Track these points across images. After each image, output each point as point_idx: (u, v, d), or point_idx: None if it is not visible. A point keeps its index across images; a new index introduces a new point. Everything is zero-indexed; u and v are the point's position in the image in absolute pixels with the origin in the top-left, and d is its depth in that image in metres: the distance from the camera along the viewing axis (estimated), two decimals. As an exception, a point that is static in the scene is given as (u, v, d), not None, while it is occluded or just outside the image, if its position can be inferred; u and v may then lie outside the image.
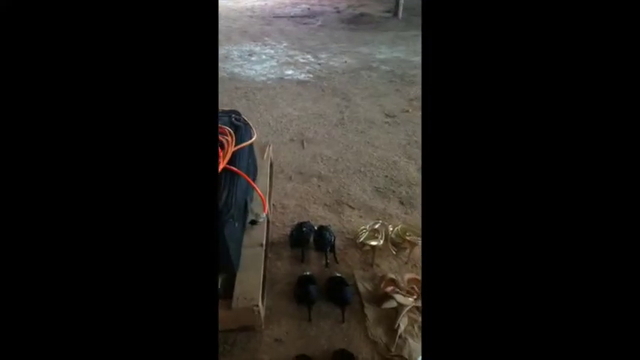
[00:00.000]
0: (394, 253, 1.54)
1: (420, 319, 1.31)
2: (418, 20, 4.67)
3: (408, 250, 1.53)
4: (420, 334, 1.26)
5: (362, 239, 1.52)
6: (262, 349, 1.24)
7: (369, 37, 4.21)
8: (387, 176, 2.05)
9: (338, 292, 1.35)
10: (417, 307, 1.33)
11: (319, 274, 1.46)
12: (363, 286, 1.43)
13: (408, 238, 1.48)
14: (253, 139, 1.44)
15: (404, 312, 1.24)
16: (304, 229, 1.55)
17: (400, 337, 1.25)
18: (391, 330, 1.28)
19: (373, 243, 1.46)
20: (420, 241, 1.46)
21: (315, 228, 1.59)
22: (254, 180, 1.61)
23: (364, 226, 1.61)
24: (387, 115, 2.64)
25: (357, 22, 4.80)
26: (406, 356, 1.17)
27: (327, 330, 1.31)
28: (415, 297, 1.23)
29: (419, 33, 4.21)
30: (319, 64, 3.56)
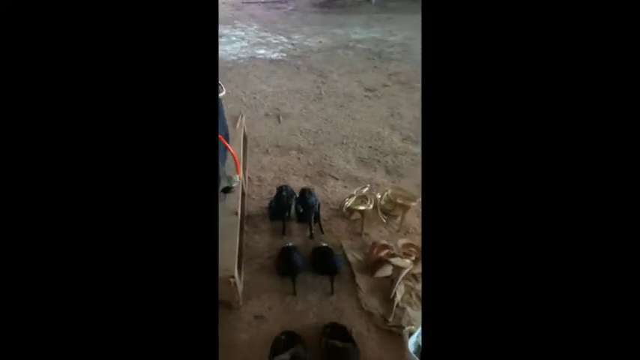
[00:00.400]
0: (384, 220, 1.41)
1: (418, 286, 1.18)
2: (391, 5, 4.59)
3: (399, 217, 1.41)
4: (418, 303, 1.13)
5: (348, 205, 1.38)
6: (241, 328, 1.08)
7: (342, 20, 4.09)
8: (370, 147, 1.92)
9: (325, 261, 1.20)
10: (413, 275, 1.20)
11: (303, 247, 1.31)
12: (353, 256, 1.28)
13: (399, 202, 1.35)
14: (222, 93, 1.27)
15: (401, 277, 1.10)
16: (284, 193, 1.39)
17: (397, 306, 1.11)
18: (387, 300, 1.14)
19: (361, 208, 1.32)
20: (413, 204, 1.33)
21: (297, 195, 1.43)
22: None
23: (350, 193, 1.47)
24: (367, 90, 2.52)
25: (329, 6, 4.67)
26: (405, 325, 1.04)
27: (314, 304, 1.15)
28: (413, 258, 1.10)
29: (393, 16, 4.13)
30: (292, 44, 3.40)
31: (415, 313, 1.09)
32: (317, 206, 1.36)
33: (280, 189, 1.42)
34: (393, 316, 1.08)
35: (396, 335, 1.05)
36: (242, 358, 1.00)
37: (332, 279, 1.17)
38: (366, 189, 1.45)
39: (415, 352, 0.92)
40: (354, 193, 1.44)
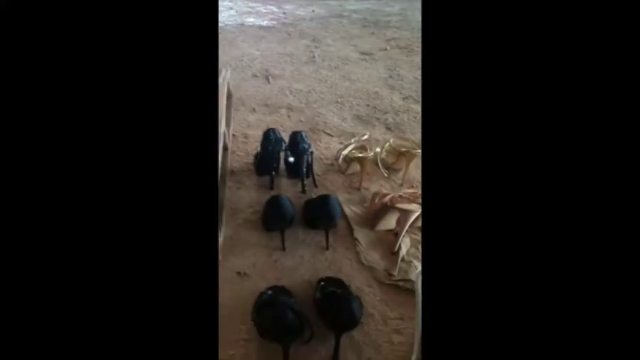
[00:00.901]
0: (386, 175, 1.26)
1: (425, 239, 1.03)
2: (387, -20, 4.42)
3: (402, 170, 1.25)
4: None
5: (345, 153, 1.22)
6: (221, 286, 0.91)
7: (336, -7, 3.92)
8: (368, 105, 1.76)
9: (319, 212, 1.03)
10: (419, 228, 1.04)
11: (294, 201, 1.15)
12: (351, 210, 1.13)
13: (403, 150, 1.19)
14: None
15: (408, 224, 0.95)
16: (272, 137, 1.21)
17: (403, 260, 0.96)
18: (390, 255, 0.99)
19: (360, 154, 1.16)
20: (418, 151, 1.17)
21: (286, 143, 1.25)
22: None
23: (347, 143, 1.31)
24: (363, 53, 2.35)
25: (323, -19, 4.50)
26: (413, 279, 0.88)
27: (307, 259, 1.00)
28: (421, 202, 0.94)
29: (389, -10, 3.95)
30: (284, 13, 3.21)
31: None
32: (309, 154, 1.19)
33: (267, 133, 1.25)
34: (397, 269, 0.93)
35: (402, 290, 0.89)
36: (221, 318, 0.84)
37: (327, 232, 1.01)
38: (366, 136, 1.29)
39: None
40: (352, 142, 1.28)
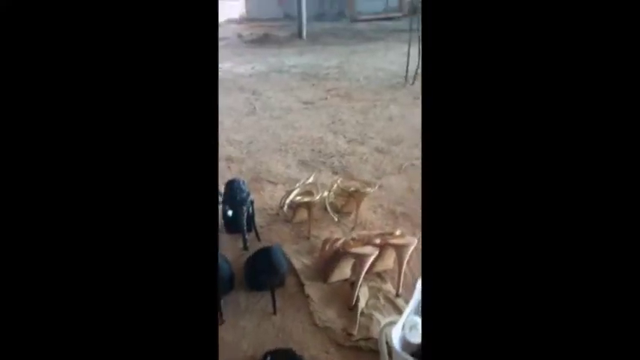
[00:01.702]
0: (336, 219, 1.15)
1: (385, 286, 0.90)
2: (323, 39, 4.68)
3: (353, 213, 1.15)
4: (389, 306, 0.85)
5: (291, 198, 1.10)
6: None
7: (275, 51, 4.04)
8: (313, 150, 1.69)
9: (262, 268, 0.88)
10: (378, 275, 0.93)
11: (235, 262, 0.99)
12: (300, 262, 0.99)
13: (352, 190, 1.10)
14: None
15: (364, 271, 0.82)
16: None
17: (362, 314, 0.82)
18: (347, 310, 0.85)
19: (307, 199, 1.05)
20: (368, 189, 1.09)
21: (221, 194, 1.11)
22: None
23: (292, 188, 1.20)
24: (305, 103, 2.35)
25: (262, 41, 4.65)
26: (375, 336, 0.75)
27: (250, 329, 0.82)
28: (378, 242, 0.83)
29: (324, 47, 4.16)
30: (222, 70, 3.21)
31: (386, 321, 0.81)
32: (250, 204, 1.06)
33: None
34: (357, 327, 0.79)
35: (365, 351, 0.75)
36: None
37: (273, 292, 0.86)
38: (311, 180, 1.19)
39: (404, 348, 0.63)
40: (297, 186, 1.17)
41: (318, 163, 1.58)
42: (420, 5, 4.24)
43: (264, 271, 0.86)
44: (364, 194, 1.08)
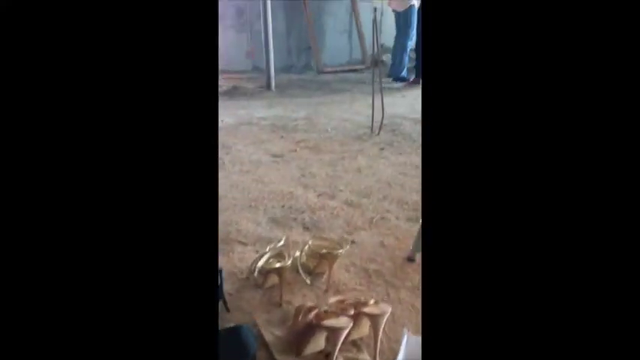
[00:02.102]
0: (308, 282, 1.12)
1: (361, 356, 0.87)
2: (291, 91, 4.83)
3: (326, 275, 1.13)
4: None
5: (261, 263, 1.07)
6: None
7: (244, 104, 4.12)
8: (284, 206, 1.68)
9: (231, 350, 0.83)
10: (354, 343, 0.90)
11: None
12: (271, 334, 0.94)
13: (324, 252, 1.09)
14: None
15: (339, 344, 0.79)
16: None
17: (340, 390, 0.78)
18: (324, 386, 0.81)
19: (277, 265, 1.03)
20: (340, 251, 1.08)
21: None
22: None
23: (262, 252, 1.17)
24: (275, 156, 2.37)
25: (231, 94, 4.74)
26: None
27: (219, 416, 0.76)
28: (352, 313, 0.81)
29: (293, 99, 4.29)
30: (193, 124, 3.23)
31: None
32: (219, 273, 1.02)
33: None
34: (336, 406, 0.74)
35: None
36: None
37: (243, 372, 0.80)
38: (281, 243, 1.17)
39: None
40: (267, 250, 1.15)
41: (289, 219, 1.56)
42: (380, 59, 4.52)
43: (233, 353, 0.81)
44: (336, 256, 1.07)
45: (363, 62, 5.59)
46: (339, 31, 5.59)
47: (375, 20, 2.76)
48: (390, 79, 4.63)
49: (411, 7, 4.40)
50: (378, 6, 4.75)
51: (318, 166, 2.20)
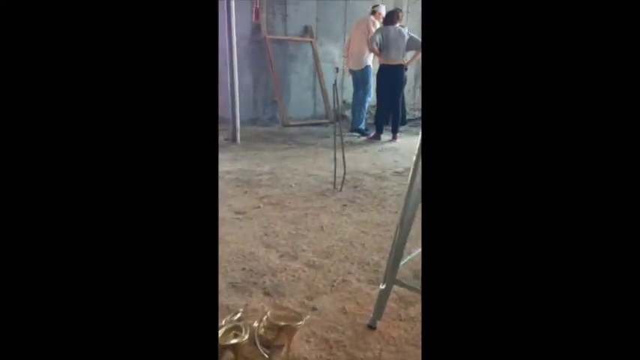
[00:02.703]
0: (266, 355, 1.08)
1: None
2: (255, 145, 4.89)
3: (285, 347, 1.10)
4: None
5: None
6: None
7: (209, 156, 4.12)
8: (244, 269, 1.65)
9: None
10: None
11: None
12: (226, 419, 0.89)
13: (283, 324, 1.07)
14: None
15: None
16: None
17: None
18: None
19: (234, 341, 0.99)
20: (299, 323, 1.06)
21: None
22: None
23: (218, 325, 1.12)
24: (238, 213, 2.35)
25: (196, 146, 4.74)
26: None
27: None
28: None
29: (258, 152, 4.35)
30: (154, 178, 3.16)
31: None
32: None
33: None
34: None
35: None
36: None
37: None
38: (238, 315, 1.14)
39: None
40: (223, 324, 1.11)
41: (249, 283, 1.53)
42: (342, 113, 4.74)
43: None
44: (295, 329, 1.05)
45: (326, 117, 5.83)
46: (304, 87, 5.86)
47: (335, 82, 2.95)
48: (352, 132, 4.90)
49: (367, 67, 4.78)
50: (340, 67, 5.10)
51: (282, 224, 2.19)
